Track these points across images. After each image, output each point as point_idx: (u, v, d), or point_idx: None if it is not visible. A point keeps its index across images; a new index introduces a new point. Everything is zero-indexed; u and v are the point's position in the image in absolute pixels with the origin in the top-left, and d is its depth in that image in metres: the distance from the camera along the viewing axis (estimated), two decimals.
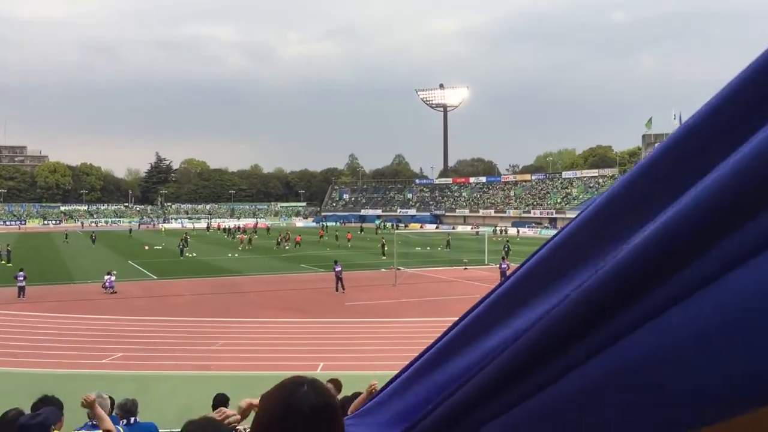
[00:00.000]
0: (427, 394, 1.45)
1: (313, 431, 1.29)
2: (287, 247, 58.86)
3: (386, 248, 49.99)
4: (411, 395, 1.54)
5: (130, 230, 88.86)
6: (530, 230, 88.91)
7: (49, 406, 4.59)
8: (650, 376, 0.90)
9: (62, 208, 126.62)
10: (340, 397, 7.35)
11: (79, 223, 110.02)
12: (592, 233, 1.13)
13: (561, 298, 1.04)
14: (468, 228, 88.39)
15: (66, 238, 71.97)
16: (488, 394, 1.19)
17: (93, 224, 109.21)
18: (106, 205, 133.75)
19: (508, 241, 54.76)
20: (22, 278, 29.42)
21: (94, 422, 5.77)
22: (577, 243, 1.17)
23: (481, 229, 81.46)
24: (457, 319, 1.54)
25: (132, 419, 7.00)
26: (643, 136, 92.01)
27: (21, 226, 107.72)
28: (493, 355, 1.19)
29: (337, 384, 7.93)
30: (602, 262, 0.99)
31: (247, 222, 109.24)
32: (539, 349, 1.06)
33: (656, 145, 1.14)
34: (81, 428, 5.83)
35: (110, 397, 7.69)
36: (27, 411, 5.65)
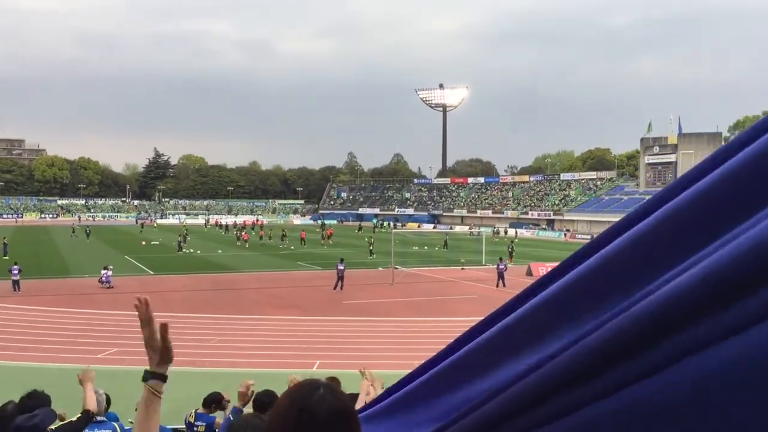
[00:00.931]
0: (451, 405, 1.43)
1: None
2: (293, 247, 57.96)
3: (374, 248, 50.26)
4: (433, 402, 1.52)
5: (142, 225, 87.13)
6: (528, 231, 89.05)
7: (44, 407, 4.57)
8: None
9: (59, 202, 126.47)
10: None
11: (76, 218, 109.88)
12: (603, 281, 1.13)
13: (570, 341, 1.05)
14: (466, 228, 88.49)
15: (73, 232, 71.20)
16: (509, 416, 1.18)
17: (89, 218, 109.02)
18: (103, 199, 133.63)
19: (513, 242, 54.86)
20: (16, 272, 29.33)
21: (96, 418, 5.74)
22: (586, 289, 1.17)
23: (480, 229, 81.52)
24: (475, 324, 1.50)
25: None
26: (642, 140, 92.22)
27: (18, 219, 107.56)
28: (518, 382, 1.18)
29: (335, 383, 7.93)
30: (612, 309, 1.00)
31: (246, 219, 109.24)
32: (557, 382, 1.07)
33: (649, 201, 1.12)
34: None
35: (106, 394, 7.64)
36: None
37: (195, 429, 7.45)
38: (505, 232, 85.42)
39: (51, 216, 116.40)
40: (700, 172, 1.01)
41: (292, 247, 57.01)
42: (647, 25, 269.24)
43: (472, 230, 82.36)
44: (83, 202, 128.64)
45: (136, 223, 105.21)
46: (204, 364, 17.15)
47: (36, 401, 5.32)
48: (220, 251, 52.80)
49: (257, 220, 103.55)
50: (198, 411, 7.61)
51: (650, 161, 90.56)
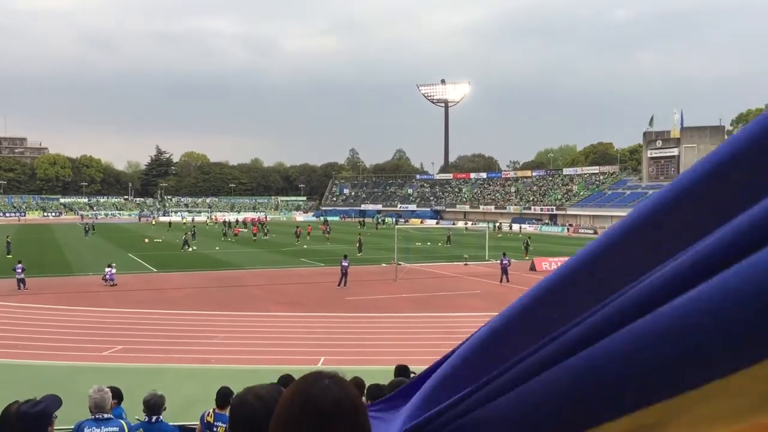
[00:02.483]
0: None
1: (335, 427, 1.20)
2: (305, 246, 57.91)
3: (362, 245, 49.97)
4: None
5: (170, 223, 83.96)
6: (531, 226, 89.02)
7: (49, 394, 4.58)
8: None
9: (62, 200, 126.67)
10: None
11: (79, 216, 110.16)
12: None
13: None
14: (469, 224, 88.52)
15: (93, 229, 71.05)
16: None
17: (90, 217, 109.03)
18: (106, 197, 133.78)
19: (530, 237, 55.07)
20: (20, 270, 29.38)
21: (98, 416, 5.78)
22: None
23: (473, 224, 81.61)
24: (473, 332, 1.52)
25: (154, 418, 6.71)
26: (644, 134, 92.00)
27: (21, 217, 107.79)
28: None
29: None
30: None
31: (248, 215, 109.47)
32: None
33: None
34: (85, 421, 5.85)
35: (117, 389, 7.64)
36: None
37: (214, 429, 7.29)
38: (510, 228, 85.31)
39: (54, 214, 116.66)
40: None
41: (305, 246, 55.39)
42: (649, 19, 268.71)
43: (467, 225, 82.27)
44: (86, 200, 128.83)
45: (139, 220, 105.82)
46: (209, 361, 17.19)
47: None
48: (217, 248, 52.82)
49: (264, 218, 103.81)
50: (216, 411, 7.49)
51: (653, 155, 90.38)
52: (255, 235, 64.13)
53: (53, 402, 4.40)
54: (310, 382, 1.25)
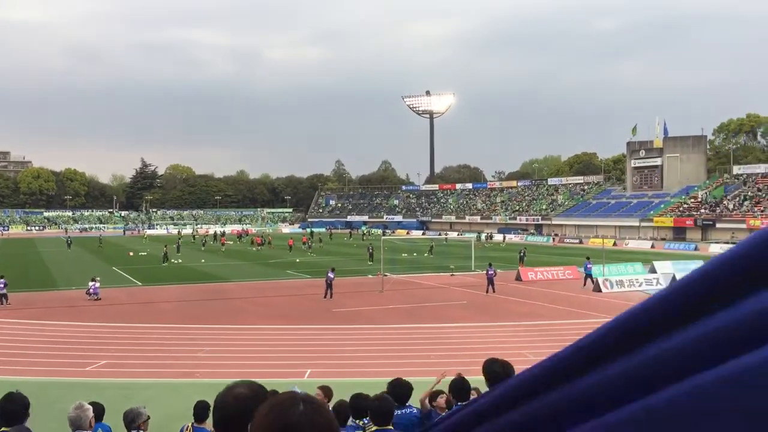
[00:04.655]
0: None
1: None
2: (305, 255, 57.72)
3: (373, 254, 49.73)
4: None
5: (194, 236, 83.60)
6: (516, 236, 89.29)
7: (17, 426, 4.53)
8: None
9: (46, 214, 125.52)
10: (331, 403, 7.35)
11: (62, 229, 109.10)
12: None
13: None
14: (454, 234, 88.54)
15: (100, 243, 71.69)
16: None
17: (72, 231, 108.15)
18: (90, 211, 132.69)
19: (526, 248, 55.38)
20: (2, 285, 29.01)
21: None
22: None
23: (459, 234, 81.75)
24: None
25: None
26: (628, 143, 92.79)
27: (4, 232, 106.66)
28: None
29: (327, 391, 7.93)
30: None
31: (233, 228, 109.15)
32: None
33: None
34: None
35: (99, 405, 7.56)
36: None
37: None
38: (490, 237, 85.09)
39: (37, 228, 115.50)
40: None
41: (297, 260, 53.84)
42: (633, 29, 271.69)
43: (447, 236, 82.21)
44: (70, 213, 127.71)
45: (124, 233, 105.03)
46: (194, 375, 17.02)
47: (14, 404, 5.26)
48: (203, 260, 52.49)
49: (250, 229, 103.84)
50: (195, 425, 7.43)
51: (636, 165, 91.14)
52: (260, 245, 65.04)
53: None
54: (286, 407, 1.23)
